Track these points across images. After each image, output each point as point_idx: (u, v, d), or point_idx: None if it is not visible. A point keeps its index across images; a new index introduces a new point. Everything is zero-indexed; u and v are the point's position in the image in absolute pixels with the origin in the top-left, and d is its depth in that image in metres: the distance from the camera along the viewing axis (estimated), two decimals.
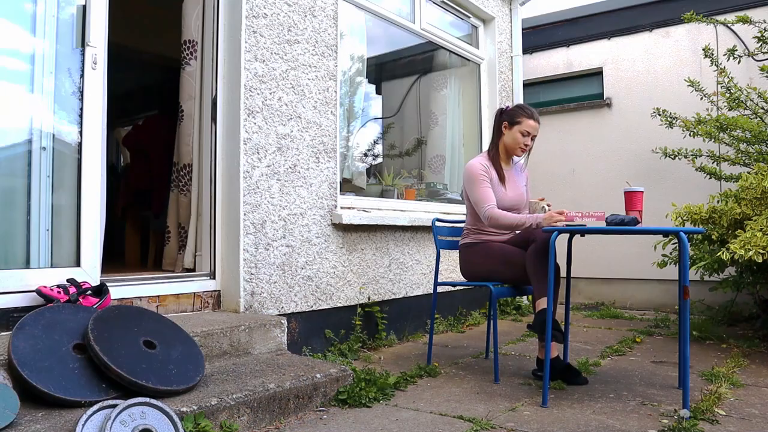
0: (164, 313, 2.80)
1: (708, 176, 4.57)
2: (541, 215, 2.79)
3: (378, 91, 5.40)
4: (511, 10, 5.53)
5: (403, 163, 5.32)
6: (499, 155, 3.06)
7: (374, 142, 5.03)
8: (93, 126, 2.61)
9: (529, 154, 3.12)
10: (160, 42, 5.24)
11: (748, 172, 3.55)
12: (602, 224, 2.60)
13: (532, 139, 3.00)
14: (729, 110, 4.45)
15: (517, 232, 3.04)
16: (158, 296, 2.82)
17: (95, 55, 2.62)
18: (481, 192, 2.93)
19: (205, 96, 3.20)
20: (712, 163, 4.54)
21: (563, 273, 3.08)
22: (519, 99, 5.45)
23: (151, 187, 4.77)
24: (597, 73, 6.17)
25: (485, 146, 5.20)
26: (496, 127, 3.09)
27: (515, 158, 3.16)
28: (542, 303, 2.69)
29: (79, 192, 2.57)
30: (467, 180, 3.01)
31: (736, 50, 4.40)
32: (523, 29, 5.77)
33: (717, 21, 4.79)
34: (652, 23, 5.78)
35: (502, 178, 3.02)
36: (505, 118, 3.02)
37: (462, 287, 4.43)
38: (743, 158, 4.25)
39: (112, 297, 2.55)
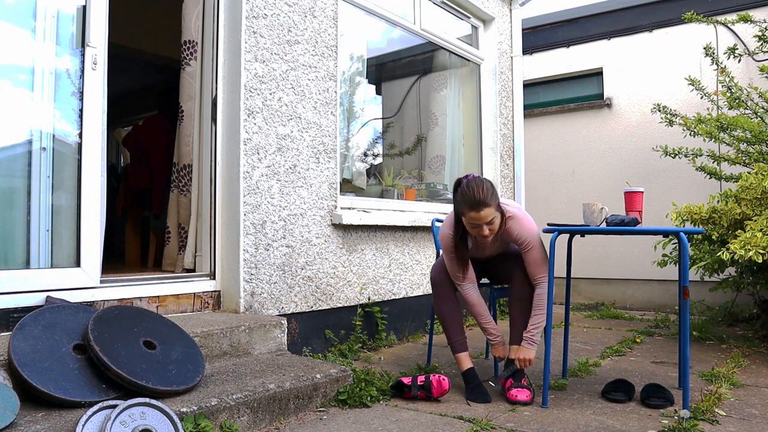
0: (164, 313, 2.80)
1: (708, 176, 4.57)
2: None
3: (378, 91, 5.40)
4: (511, 10, 5.52)
5: (403, 163, 5.32)
6: (466, 231, 2.60)
7: (374, 142, 5.03)
8: (93, 126, 2.61)
9: (499, 231, 2.55)
10: (160, 42, 5.24)
11: (748, 172, 3.55)
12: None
13: (489, 224, 2.43)
14: (729, 110, 4.45)
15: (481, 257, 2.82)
16: (158, 296, 2.82)
17: (95, 55, 2.62)
18: (449, 265, 2.71)
19: (205, 96, 3.20)
20: (713, 162, 4.54)
21: (563, 273, 3.08)
22: (519, 99, 5.44)
23: (151, 187, 4.77)
24: (597, 73, 6.17)
25: (485, 147, 5.21)
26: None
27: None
28: (464, 361, 2.69)
29: (79, 192, 2.57)
30: None
31: (737, 49, 4.40)
32: (523, 29, 5.76)
33: (717, 21, 4.79)
34: (652, 23, 5.78)
35: (465, 244, 2.66)
36: (455, 205, 2.54)
37: None
38: (743, 158, 4.25)
39: (112, 297, 2.55)
